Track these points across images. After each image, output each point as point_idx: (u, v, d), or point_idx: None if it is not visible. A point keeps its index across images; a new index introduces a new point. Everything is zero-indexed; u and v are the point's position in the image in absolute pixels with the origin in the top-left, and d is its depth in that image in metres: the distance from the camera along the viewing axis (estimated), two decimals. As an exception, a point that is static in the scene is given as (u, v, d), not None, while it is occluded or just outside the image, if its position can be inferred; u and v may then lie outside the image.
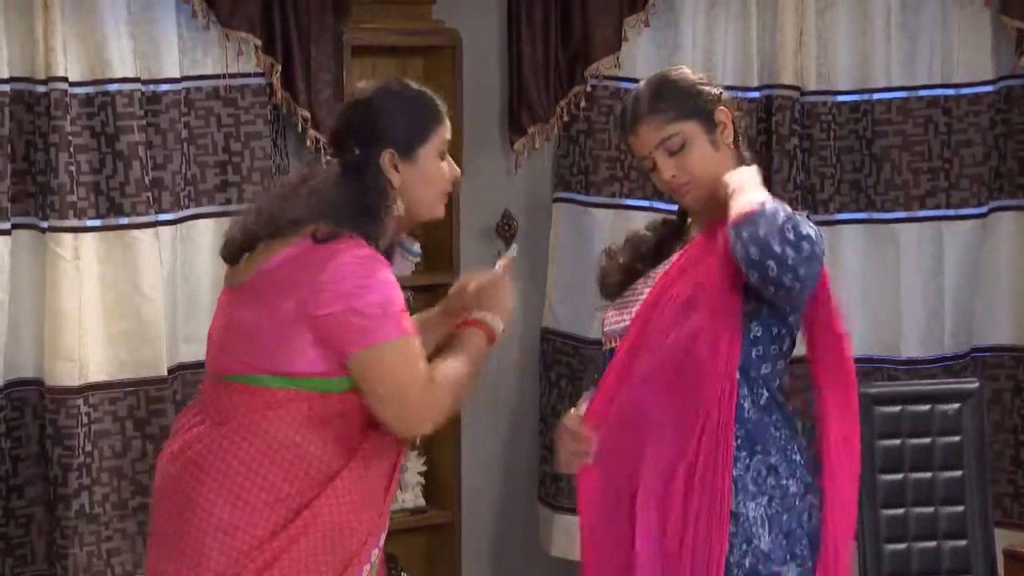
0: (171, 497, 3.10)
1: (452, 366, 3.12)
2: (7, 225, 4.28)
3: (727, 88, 4.95)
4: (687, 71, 3.27)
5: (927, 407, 4.31)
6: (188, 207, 4.54)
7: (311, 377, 3.02)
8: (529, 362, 5.27)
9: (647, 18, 5.05)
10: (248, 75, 4.60)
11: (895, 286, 5.15)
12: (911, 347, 5.15)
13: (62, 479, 4.34)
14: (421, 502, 5.03)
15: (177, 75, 4.50)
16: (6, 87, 4.25)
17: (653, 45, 5.06)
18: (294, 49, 4.63)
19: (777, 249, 2.93)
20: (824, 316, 3.21)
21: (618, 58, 5.06)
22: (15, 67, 4.28)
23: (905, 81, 5.11)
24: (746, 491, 3.09)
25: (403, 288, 4.86)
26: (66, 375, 4.33)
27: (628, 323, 3.20)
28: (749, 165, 3.21)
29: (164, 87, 4.48)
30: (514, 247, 3.58)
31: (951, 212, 5.14)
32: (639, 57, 5.08)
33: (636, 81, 4.98)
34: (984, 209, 5.16)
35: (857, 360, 5.01)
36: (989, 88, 5.12)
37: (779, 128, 5.05)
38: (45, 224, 4.32)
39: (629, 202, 5.06)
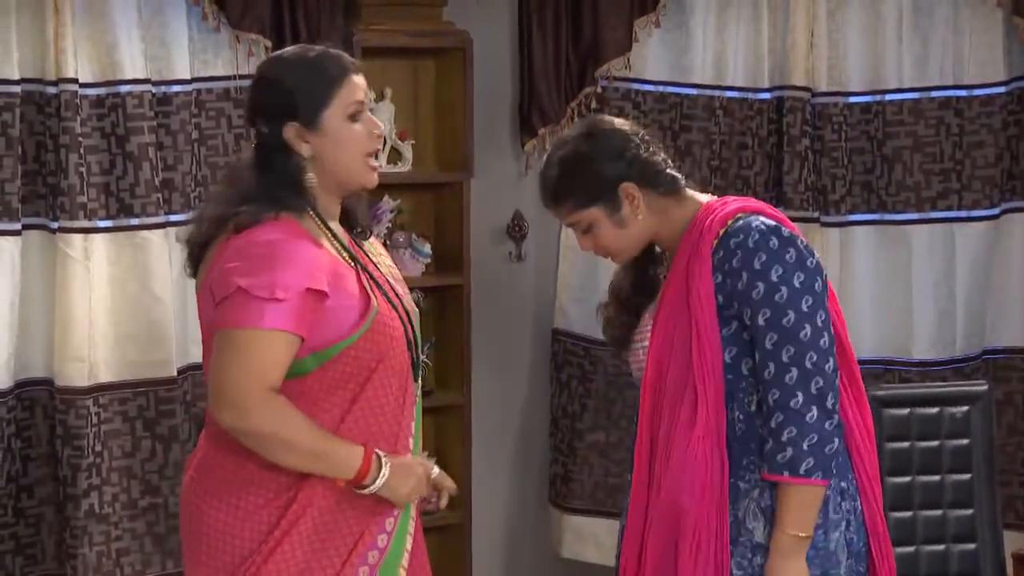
0: (183, 507, 3.14)
1: (303, 424, 2.94)
2: (18, 226, 4.29)
3: (737, 90, 5.03)
4: (585, 147, 3.21)
5: (936, 410, 4.30)
6: (198, 208, 4.55)
7: None
8: (540, 363, 5.27)
9: (658, 19, 5.05)
10: (258, 76, 4.61)
11: (906, 288, 5.14)
12: (922, 349, 5.14)
13: (71, 479, 4.35)
14: (431, 503, 5.03)
15: (187, 76, 4.51)
16: (17, 88, 4.26)
17: (663, 46, 5.06)
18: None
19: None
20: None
21: (628, 59, 5.05)
22: (26, 69, 4.29)
23: (917, 82, 5.11)
24: (766, 518, 3.09)
25: (413, 289, 4.95)
26: (76, 375, 4.34)
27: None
28: (680, 189, 3.23)
29: (174, 88, 4.49)
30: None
31: (963, 213, 5.14)
32: (650, 58, 5.08)
33: (647, 82, 5.06)
34: (996, 211, 5.15)
35: (868, 362, 5.10)
36: (1001, 89, 5.11)
37: (790, 129, 5.04)
38: (55, 225, 4.34)
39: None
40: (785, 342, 3.01)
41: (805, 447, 2.99)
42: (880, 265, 5.16)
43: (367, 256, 3.18)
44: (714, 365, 3.07)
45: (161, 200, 4.44)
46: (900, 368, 5.15)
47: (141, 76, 4.40)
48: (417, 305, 4.83)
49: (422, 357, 4.81)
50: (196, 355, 4.50)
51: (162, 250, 4.44)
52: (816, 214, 5.08)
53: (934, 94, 5.11)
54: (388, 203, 4.92)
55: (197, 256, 3.08)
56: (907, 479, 4.27)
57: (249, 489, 3.00)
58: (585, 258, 5.10)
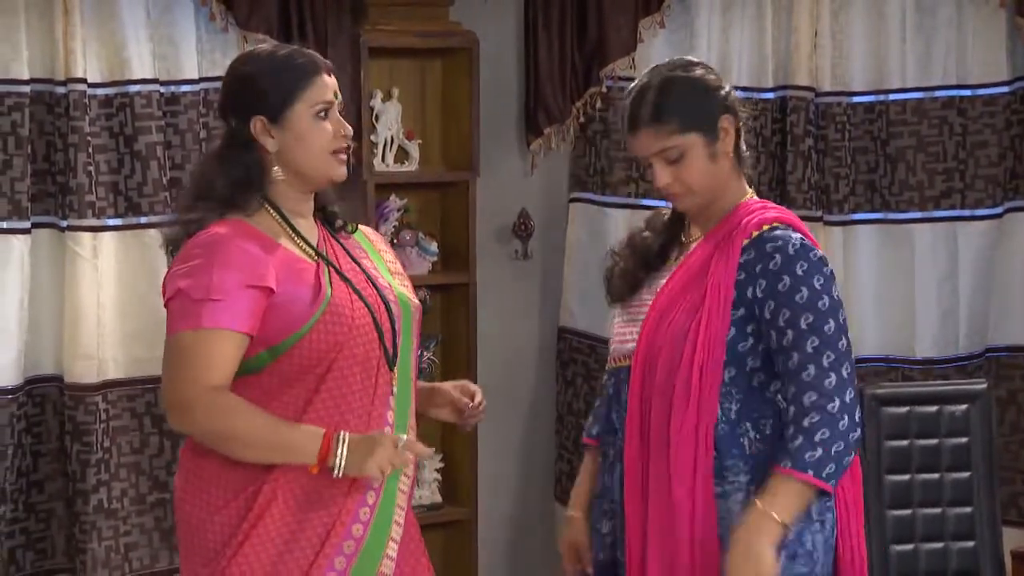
0: (174, 500, 3.17)
1: (254, 416, 2.96)
2: (27, 224, 4.33)
3: (742, 89, 5.04)
4: (698, 71, 3.20)
5: (935, 408, 4.31)
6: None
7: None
8: (546, 361, 5.30)
9: (662, 19, 5.08)
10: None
11: (910, 286, 5.16)
12: (925, 347, 5.16)
13: (80, 475, 4.40)
14: (438, 499, 5.06)
15: (195, 76, 4.54)
16: (26, 88, 4.30)
17: (668, 46, 5.07)
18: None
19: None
20: None
21: (633, 59, 5.08)
22: (35, 68, 4.33)
23: (920, 82, 5.12)
24: None
25: (419, 287, 4.97)
26: (85, 372, 4.38)
27: (634, 343, 3.23)
28: (745, 169, 3.24)
29: (183, 88, 4.52)
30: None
31: (966, 213, 5.16)
32: (654, 58, 5.03)
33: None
34: (999, 210, 5.17)
35: (871, 360, 5.13)
36: (1004, 89, 5.13)
37: (794, 129, 5.06)
38: (64, 223, 4.38)
39: (645, 202, 5.07)
40: (826, 348, 3.04)
41: (832, 452, 3.02)
42: (883, 264, 5.18)
43: (345, 250, 3.19)
44: (715, 352, 3.09)
45: (169, 199, 4.46)
46: (903, 366, 5.17)
47: (149, 76, 4.44)
48: (423, 303, 4.90)
49: (429, 355, 4.94)
50: (203, 352, 4.55)
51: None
52: (819, 213, 5.11)
53: (937, 94, 5.13)
54: (395, 202, 4.95)
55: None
56: (906, 477, 4.29)
57: (216, 483, 3.03)
58: (591, 257, 5.13)
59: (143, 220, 4.46)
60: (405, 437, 3.05)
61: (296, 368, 3.03)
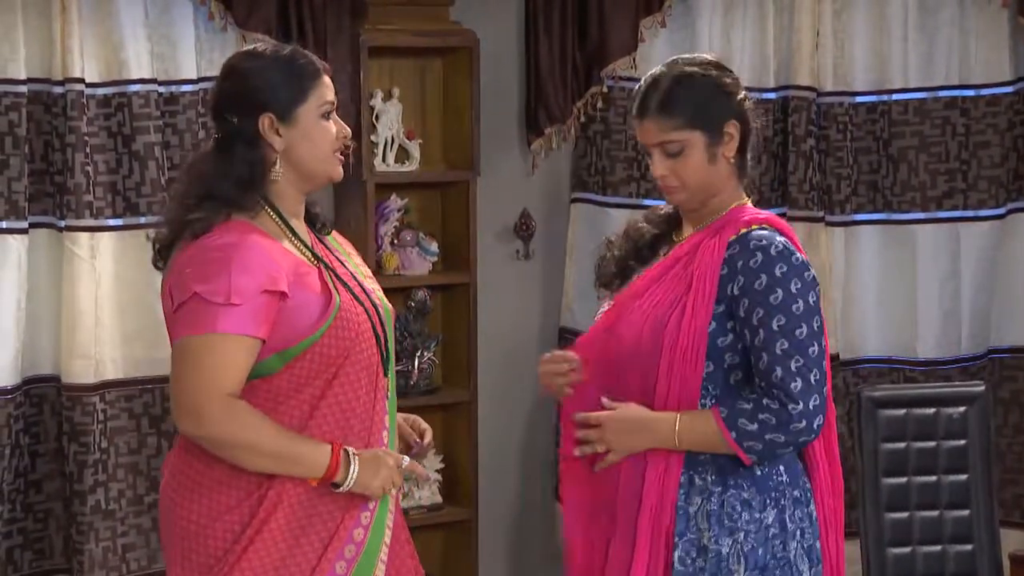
0: (160, 507, 3.17)
1: (265, 427, 2.97)
2: (25, 224, 4.33)
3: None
4: (715, 72, 3.20)
5: (932, 410, 4.29)
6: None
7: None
8: (547, 361, 5.28)
9: (663, 19, 5.07)
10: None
11: (912, 287, 5.15)
12: (928, 348, 5.15)
13: (78, 475, 4.40)
14: (438, 499, 5.05)
15: (194, 76, 4.54)
16: (23, 88, 4.30)
17: (669, 46, 5.06)
18: (311, 51, 4.63)
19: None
20: None
21: (634, 59, 5.07)
22: (32, 68, 4.33)
23: (922, 82, 5.11)
24: (721, 526, 3.10)
25: (420, 287, 4.94)
26: (82, 373, 4.39)
27: None
28: (745, 179, 3.24)
29: (181, 88, 4.53)
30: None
31: (968, 213, 5.14)
32: (655, 58, 5.04)
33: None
34: (1002, 210, 5.16)
35: (873, 361, 5.12)
36: (1007, 89, 5.12)
37: (795, 129, 5.05)
38: (62, 223, 4.38)
39: (646, 202, 5.04)
40: (796, 352, 3.04)
41: (767, 437, 3.03)
42: (885, 265, 5.16)
43: (331, 254, 3.19)
44: (696, 341, 3.09)
45: (167, 199, 4.46)
46: (905, 367, 5.16)
47: (147, 76, 4.44)
48: (424, 304, 4.89)
49: (429, 355, 4.93)
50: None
51: (167, 249, 4.47)
52: (821, 214, 5.09)
53: (940, 94, 5.12)
54: (395, 202, 4.94)
55: (165, 256, 3.11)
56: (903, 480, 4.26)
57: (220, 489, 3.02)
58: (592, 257, 5.11)
59: (141, 220, 4.46)
60: (407, 460, 3.10)
61: (306, 373, 3.03)
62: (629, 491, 3.13)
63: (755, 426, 3.04)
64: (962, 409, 4.28)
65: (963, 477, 4.27)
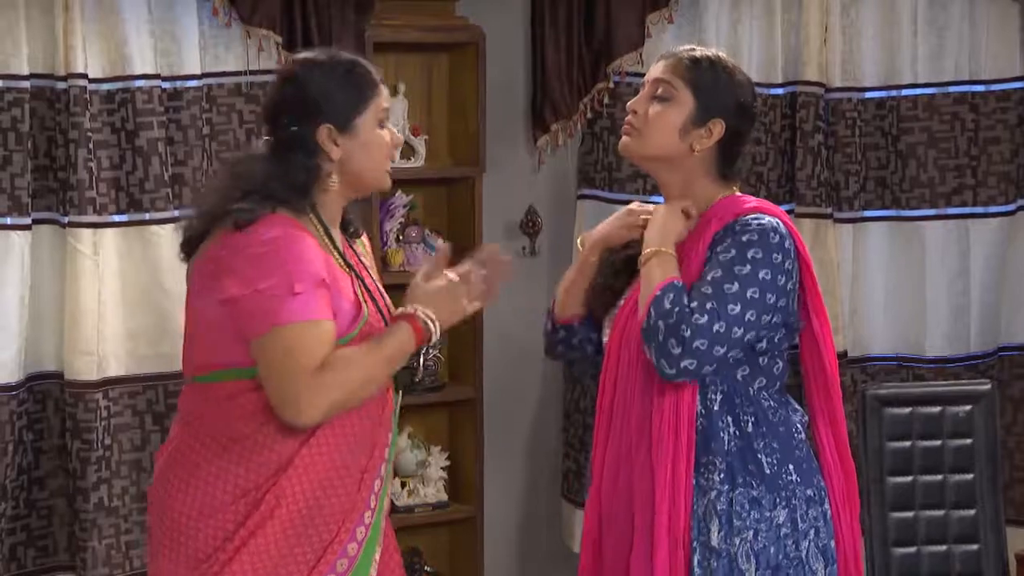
0: (152, 496, 3.15)
1: (354, 359, 2.97)
2: (28, 220, 4.32)
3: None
4: (738, 76, 3.24)
5: (938, 409, 4.27)
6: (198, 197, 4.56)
7: (254, 366, 2.99)
8: (552, 358, 5.27)
9: (670, 14, 5.04)
10: (269, 72, 4.57)
11: (921, 284, 5.13)
12: (936, 346, 5.13)
13: (81, 472, 4.39)
14: (444, 497, 5.04)
15: (198, 72, 4.53)
16: (26, 84, 4.29)
17: (676, 41, 5.01)
18: (315, 45, 4.64)
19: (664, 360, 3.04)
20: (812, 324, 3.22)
21: (641, 55, 5.04)
22: (36, 64, 4.32)
23: (932, 77, 5.09)
24: (730, 525, 3.09)
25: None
26: (85, 369, 4.37)
27: None
28: (733, 179, 3.23)
29: (185, 83, 4.51)
30: (440, 243, 3.44)
31: (978, 210, 5.12)
32: (662, 53, 5.06)
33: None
34: (1011, 207, 5.14)
35: (882, 358, 5.10)
36: (1017, 84, 5.10)
37: (803, 125, 5.02)
38: (65, 219, 4.36)
39: (653, 199, 5.02)
40: (715, 299, 3.02)
41: (658, 324, 3.04)
42: (894, 261, 5.14)
43: (360, 261, 3.20)
44: None
45: (171, 195, 4.46)
46: (914, 365, 5.13)
47: (151, 71, 4.43)
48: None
49: (435, 352, 4.88)
50: (205, 350, 4.54)
51: (172, 245, 4.41)
52: (829, 210, 5.06)
53: (949, 89, 5.10)
54: (401, 198, 4.93)
55: (187, 247, 3.10)
56: (908, 479, 4.25)
57: (217, 484, 3.01)
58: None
59: (145, 217, 4.45)
60: (454, 276, 3.13)
61: None
62: (643, 497, 3.12)
63: (668, 304, 3.03)
64: (968, 408, 4.26)
65: (969, 476, 4.25)
